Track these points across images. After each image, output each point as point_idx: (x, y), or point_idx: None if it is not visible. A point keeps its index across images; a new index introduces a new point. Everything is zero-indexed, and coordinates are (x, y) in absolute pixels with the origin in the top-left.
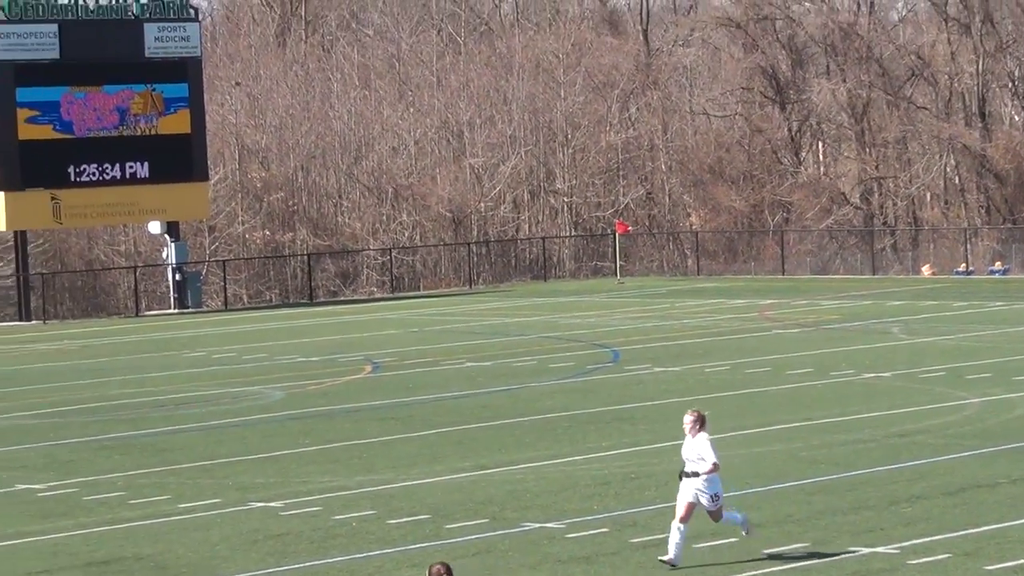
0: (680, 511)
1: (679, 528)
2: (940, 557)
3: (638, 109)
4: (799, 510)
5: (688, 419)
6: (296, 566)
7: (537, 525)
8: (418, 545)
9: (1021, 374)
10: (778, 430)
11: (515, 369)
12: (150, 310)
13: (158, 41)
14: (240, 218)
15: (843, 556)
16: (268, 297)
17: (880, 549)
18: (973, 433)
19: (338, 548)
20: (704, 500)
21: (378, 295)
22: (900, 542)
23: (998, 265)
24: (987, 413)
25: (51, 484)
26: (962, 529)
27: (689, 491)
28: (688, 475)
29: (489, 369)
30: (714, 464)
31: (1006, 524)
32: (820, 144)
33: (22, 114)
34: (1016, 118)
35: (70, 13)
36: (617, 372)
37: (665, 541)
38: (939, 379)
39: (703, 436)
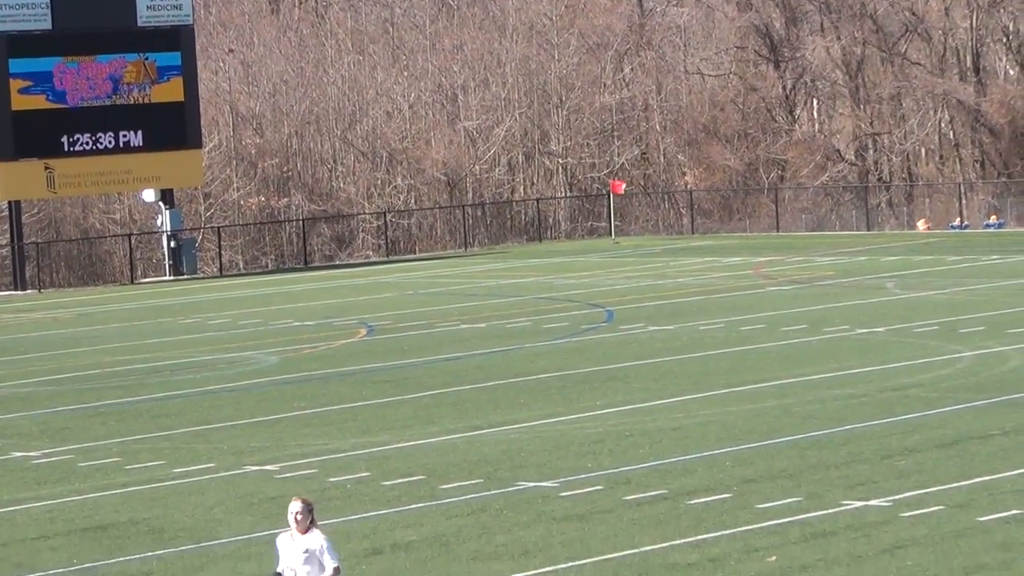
0: None
1: None
2: (933, 509)
3: (632, 69)
4: (793, 465)
5: (296, 508)
6: None
7: (531, 484)
8: (413, 506)
9: (1015, 327)
10: (772, 386)
11: (510, 330)
12: (145, 277)
13: (150, 10)
14: (235, 184)
15: (837, 509)
16: (263, 263)
17: (873, 502)
18: (966, 386)
19: (333, 510)
20: None
21: (373, 259)
22: (893, 495)
23: (993, 219)
24: (980, 366)
25: (46, 451)
26: (955, 481)
27: None
28: None
29: (484, 331)
30: (335, 569)
31: (998, 476)
32: (815, 101)
33: (15, 85)
34: (1011, 72)
35: None
36: (612, 331)
37: (659, 498)
38: (933, 333)
39: (318, 533)
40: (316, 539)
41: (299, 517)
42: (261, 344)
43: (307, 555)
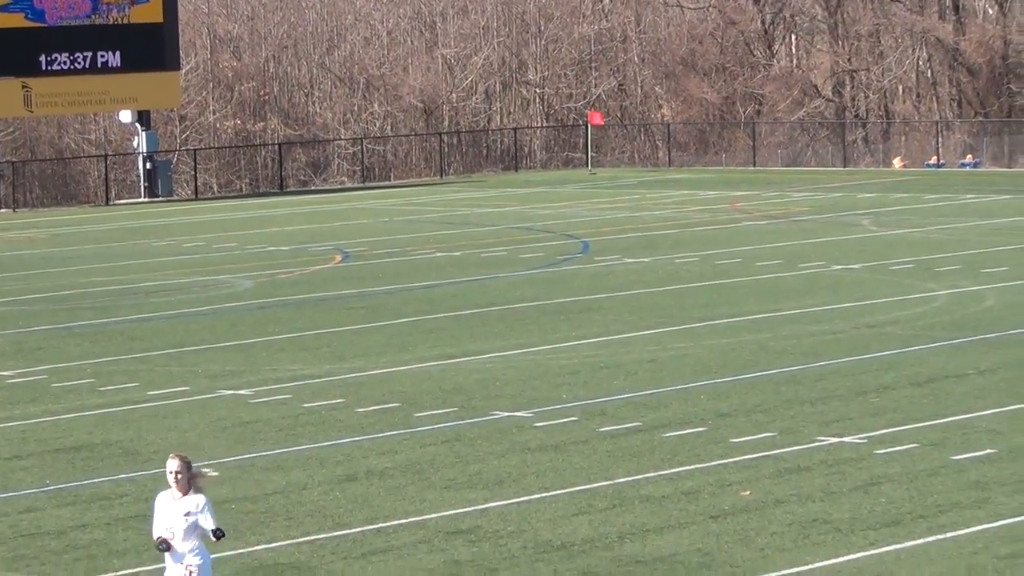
0: None
1: None
2: (907, 447)
3: (611, 0)
4: (767, 400)
5: (174, 467)
6: (265, 453)
7: (506, 414)
8: (387, 433)
9: (990, 267)
10: (747, 321)
11: (485, 259)
12: (120, 199)
13: None
14: (211, 108)
15: (811, 445)
16: (238, 186)
17: (847, 439)
18: (941, 325)
19: (307, 436)
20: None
21: (349, 185)
22: (867, 432)
23: (969, 158)
24: (956, 305)
25: (19, 371)
26: (929, 419)
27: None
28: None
29: (459, 259)
30: (216, 531)
31: (973, 415)
32: (793, 37)
33: None
34: (990, 12)
35: None
36: (587, 263)
37: (634, 431)
38: (908, 271)
39: (198, 494)
40: (196, 501)
41: (178, 476)
42: (236, 268)
43: (187, 517)
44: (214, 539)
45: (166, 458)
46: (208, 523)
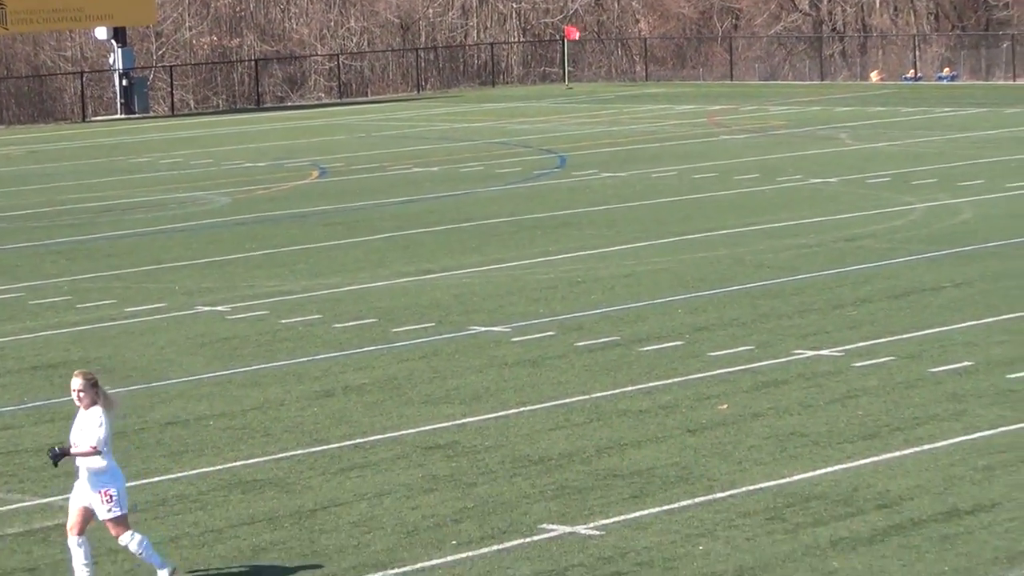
0: (72, 519)
1: (78, 543)
2: (884, 360)
3: None
4: (745, 314)
5: (76, 384)
6: (243, 369)
7: (483, 329)
8: (365, 348)
9: (967, 180)
10: (724, 234)
11: (462, 174)
12: (97, 116)
13: None
14: (187, 24)
15: (788, 359)
16: (215, 103)
17: (824, 352)
18: (918, 238)
19: (285, 352)
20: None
21: (326, 101)
22: (844, 345)
23: (946, 71)
24: (932, 218)
25: None
26: (906, 332)
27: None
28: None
29: (436, 174)
30: (91, 448)
31: (949, 327)
32: None
33: None
34: None
35: None
36: (564, 177)
37: (612, 345)
38: (885, 184)
39: (96, 410)
40: (92, 416)
41: (81, 395)
42: (212, 184)
43: (83, 432)
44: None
45: (145, 375)
46: (89, 440)
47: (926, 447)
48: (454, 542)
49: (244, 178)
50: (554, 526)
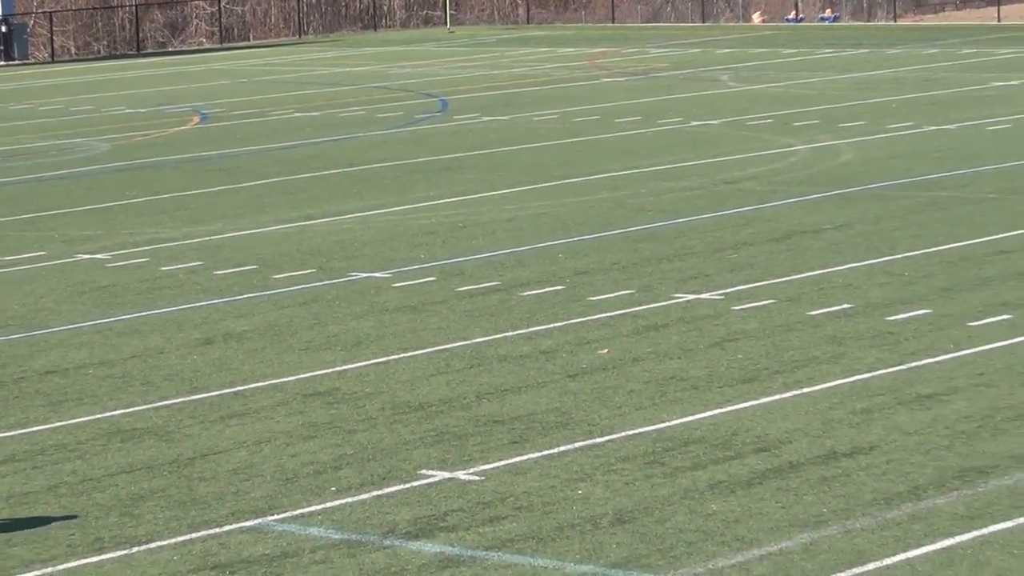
0: None
1: None
2: (764, 303)
3: None
4: (625, 257)
5: None
6: (123, 317)
7: (364, 275)
8: (245, 295)
9: (848, 121)
10: (606, 178)
11: (343, 119)
12: None
13: None
14: None
15: (668, 302)
16: (96, 48)
17: (705, 295)
18: (799, 180)
19: (165, 299)
20: None
21: (207, 46)
22: (724, 288)
23: (828, 12)
24: (814, 160)
25: None
26: (786, 275)
27: None
28: None
29: (317, 119)
30: None
31: (829, 270)
32: None
33: None
34: None
35: None
36: (446, 121)
37: (492, 290)
38: (767, 126)
39: None
40: None
41: None
42: (92, 131)
43: None
44: None
45: (24, 324)
46: None
47: (805, 390)
48: (333, 488)
49: (124, 124)
50: (434, 472)
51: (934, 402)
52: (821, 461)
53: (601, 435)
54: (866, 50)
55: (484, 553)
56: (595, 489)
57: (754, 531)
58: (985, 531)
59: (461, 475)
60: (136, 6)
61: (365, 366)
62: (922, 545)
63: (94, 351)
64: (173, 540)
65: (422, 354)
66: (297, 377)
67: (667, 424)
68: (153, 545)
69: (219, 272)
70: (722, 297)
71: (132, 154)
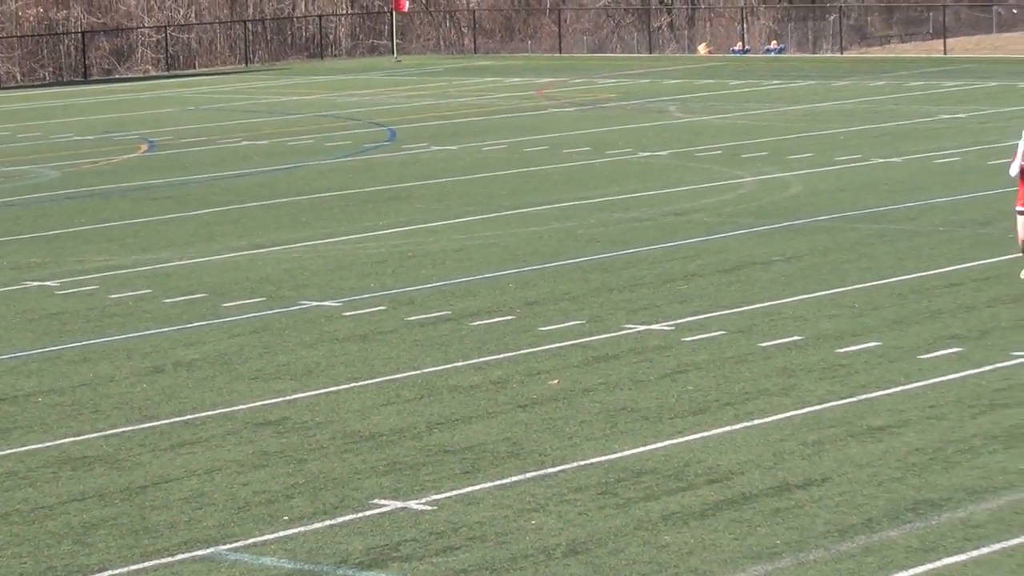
0: None
1: None
2: (714, 334)
3: None
4: (576, 287)
5: None
6: (73, 345)
7: (314, 303)
8: (194, 324)
9: (796, 153)
10: (555, 208)
11: (292, 148)
12: None
13: None
14: None
15: (619, 333)
16: (42, 75)
17: (655, 326)
18: (748, 211)
19: (114, 327)
20: None
21: (153, 73)
22: (675, 319)
23: (774, 44)
24: (762, 192)
25: None
26: (736, 306)
27: None
28: None
29: (265, 148)
30: None
31: (779, 301)
32: None
33: None
34: None
35: None
36: (394, 151)
37: (442, 320)
38: (715, 158)
39: None
40: None
41: None
42: (40, 158)
43: None
44: None
45: None
46: None
47: (756, 421)
48: (286, 517)
49: (72, 151)
50: (386, 501)
51: (885, 434)
52: (774, 493)
53: (553, 465)
54: (813, 82)
55: None
56: (548, 519)
57: (708, 563)
58: (939, 563)
59: (414, 504)
60: (83, 33)
61: (315, 395)
62: None
63: (43, 379)
64: (126, 569)
65: (372, 383)
66: (248, 406)
67: (619, 455)
68: (106, 574)
69: (168, 300)
70: (673, 328)
71: (80, 182)
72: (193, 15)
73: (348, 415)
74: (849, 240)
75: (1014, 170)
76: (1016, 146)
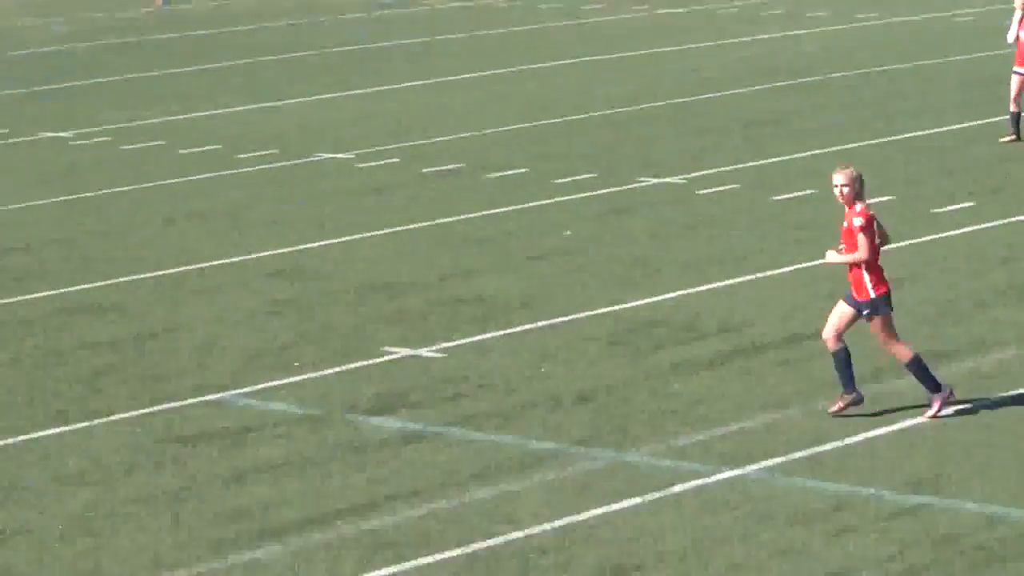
0: None
1: None
2: (728, 187)
3: None
4: (590, 141)
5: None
6: (86, 194)
7: (328, 155)
8: (207, 175)
9: (813, 11)
10: (568, 64)
11: (308, 2)
12: None
13: None
14: None
15: (633, 186)
16: None
17: (669, 179)
18: (764, 69)
19: (127, 178)
20: None
21: None
22: (689, 172)
23: None
24: (779, 48)
25: None
26: (751, 160)
27: None
28: None
29: (280, 4)
30: None
31: (793, 156)
32: None
33: None
34: None
35: None
36: (413, 6)
37: (456, 172)
38: (733, 15)
39: None
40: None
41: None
42: (53, 11)
43: None
44: None
45: None
46: None
47: (768, 273)
48: (296, 364)
49: (86, 6)
50: (396, 349)
51: (897, 288)
52: (784, 344)
53: (564, 315)
54: None
55: (446, 429)
56: (557, 368)
57: (716, 411)
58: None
59: (424, 352)
60: None
61: (327, 244)
62: (882, 426)
63: (56, 229)
64: (135, 412)
65: (384, 234)
66: (259, 255)
67: (630, 305)
68: (115, 418)
69: (183, 151)
70: (686, 181)
71: (95, 37)
72: None
73: (360, 265)
74: (864, 98)
75: (1011, 37)
76: (1014, 11)
